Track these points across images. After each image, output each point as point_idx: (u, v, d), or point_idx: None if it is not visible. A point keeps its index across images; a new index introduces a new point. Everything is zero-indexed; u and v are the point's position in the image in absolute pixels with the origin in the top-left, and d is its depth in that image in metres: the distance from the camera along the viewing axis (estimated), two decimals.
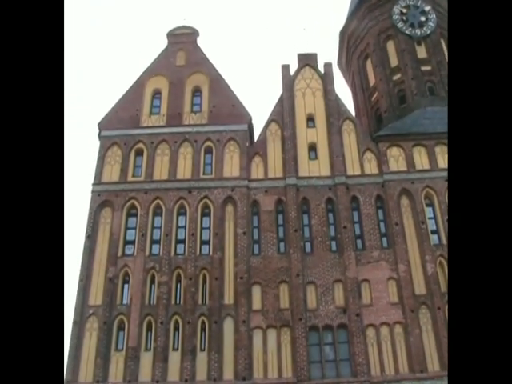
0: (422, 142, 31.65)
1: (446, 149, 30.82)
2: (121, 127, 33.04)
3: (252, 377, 25.57)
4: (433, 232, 29.13)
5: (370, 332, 26.54)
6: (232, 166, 31.51)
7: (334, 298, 27.42)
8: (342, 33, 42.48)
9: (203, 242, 29.35)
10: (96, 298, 27.60)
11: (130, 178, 31.38)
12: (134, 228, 29.81)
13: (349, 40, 41.76)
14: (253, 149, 32.42)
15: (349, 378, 25.38)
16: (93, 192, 30.75)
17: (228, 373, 25.76)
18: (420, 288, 27.48)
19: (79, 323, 26.77)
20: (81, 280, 27.87)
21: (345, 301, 27.26)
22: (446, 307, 26.64)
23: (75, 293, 27.60)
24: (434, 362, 25.64)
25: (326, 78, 34.49)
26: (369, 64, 39.45)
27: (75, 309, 27.12)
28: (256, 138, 33.29)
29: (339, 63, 44.35)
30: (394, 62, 37.52)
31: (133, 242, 29.35)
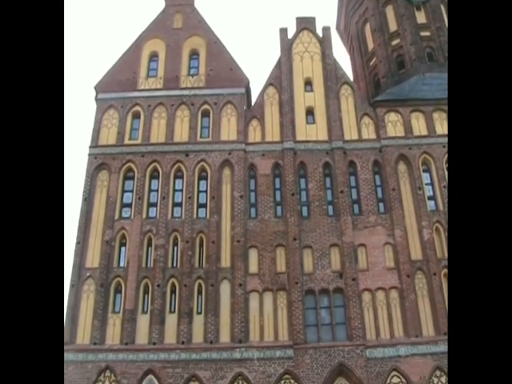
0: (420, 107, 31.02)
1: (444, 115, 30.31)
2: (118, 90, 32.34)
3: (248, 339, 25.32)
4: (429, 198, 28.68)
5: (366, 296, 26.24)
6: (229, 129, 30.94)
7: (331, 262, 27.07)
8: None
9: (200, 206, 28.91)
10: (93, 260, 27.22)
11: (126, 141, 30.80)
12: (131, 191, 29.31)
13: (347, 4, 40.88)
14: (250, 112, 31.81)
15: (344, 341, 25.13)
16: (89, 155, 30.21)
17: (224, 335, 25.53)
18: (416, 253, 27.15)
19: (76, 285, 26.43)
20: (78, 243, 27.47)
21: (341, 265, 26.92)
22: (442, 273, 26.49)
23: (72, 255, 27.29)
24: (429, 326, 25.41)
25: (325, 42, 33.70)
26: (367, 29, 38.57)
27: (72, 271, 26.73)
28: (253, 101, 32.67)
29: (338, 27, 43.52)
30: (392, 27, 36.65)
31: (130, 205, 28.89)
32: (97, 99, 32.32)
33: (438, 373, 24.24)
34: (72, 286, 26.46)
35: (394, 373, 24.37)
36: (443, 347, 24.07)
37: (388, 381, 24.25)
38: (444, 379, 24.05)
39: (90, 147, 30.50)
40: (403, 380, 24.20)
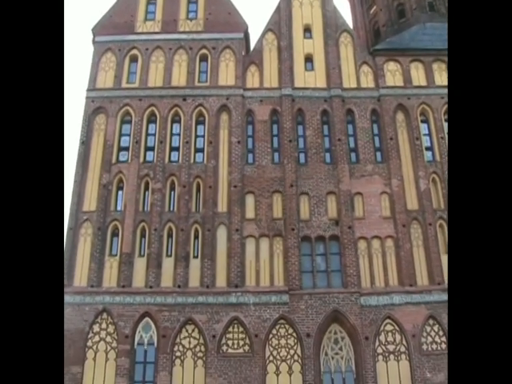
0: (420, 57, 29.82)
1: (443, 66, 29.25)
2: (115, 33, 30.94)
3: (244, 284, 24.80)
4: (427, 149, 27.83)
5: (362, 244, 25.63)
6: (227, 74, 29.78)
7: (327, 209, 26.37)
8: None
9: (197, 150, 28.01)
10: (90, 204, 26.40)
11: (124, 85, 29.63)
12: (129, 135, 28.30)
13: None
14: (248, 58, 30.57)
15: (340, 288, 24.64)
16: (87, 98, 29.06)
17: (221, 280, 24.98)
18: (412, 203, 26.45)
19: (74, 229, 25.68)
20: (75, 186, 26.69)
21: (337, 213, 26.22)
22: (438, 223, 25.88)
23: (69, 199, 26.56)
24: (424, 276, 24.89)
25: None
26: None
27: (69, 214, 25.99)
28: (252, 47, 31.44)
29: None
30: None
31: (127, 149, 27.91)
32: (94, 42, 31.00)
33: (431, 321, 23.90)
34: (69, 229, 25.71)
35: (388, 321, 23.99)
36: (437, 296, 23.85)
37: (381, 328, 23.89)
38: (437, 328, 23.76)
39: (88, 90, 29.35)
40: (396, 328, 23.86)
